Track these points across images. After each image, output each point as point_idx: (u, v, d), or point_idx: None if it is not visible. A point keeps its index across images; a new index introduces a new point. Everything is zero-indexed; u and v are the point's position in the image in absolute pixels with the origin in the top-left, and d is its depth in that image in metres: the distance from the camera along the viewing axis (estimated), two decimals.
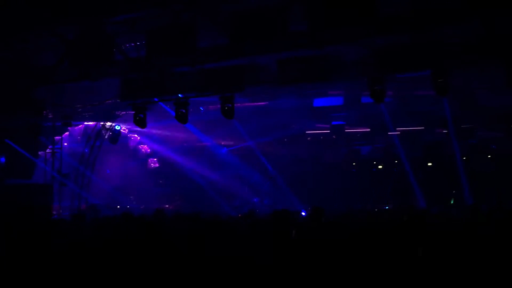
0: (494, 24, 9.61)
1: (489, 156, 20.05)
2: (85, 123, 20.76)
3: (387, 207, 19.56)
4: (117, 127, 19.47)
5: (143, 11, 11.31)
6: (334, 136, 21.68)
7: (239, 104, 15.19)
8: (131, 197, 23.83)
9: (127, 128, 22.14)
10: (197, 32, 11.52)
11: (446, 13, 9.63)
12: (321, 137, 22.26)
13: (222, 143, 23.96)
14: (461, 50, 10.77)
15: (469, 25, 10.03)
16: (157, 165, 25.75)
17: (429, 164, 20.96)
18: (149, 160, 25.73)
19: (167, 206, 23.56)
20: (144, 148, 25.38)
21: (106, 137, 18.95)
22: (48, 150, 18.03)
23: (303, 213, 15.00)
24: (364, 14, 9.40)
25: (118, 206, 21.69)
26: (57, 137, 18.27)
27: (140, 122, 15.16)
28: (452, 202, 19.08)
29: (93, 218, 11.49)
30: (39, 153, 17.32)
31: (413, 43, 10.88)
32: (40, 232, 5.77)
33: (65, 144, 19.59)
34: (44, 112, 16.70)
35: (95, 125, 18.76)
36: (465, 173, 18.35)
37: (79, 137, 21.43)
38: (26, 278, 3.05)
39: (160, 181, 25.09)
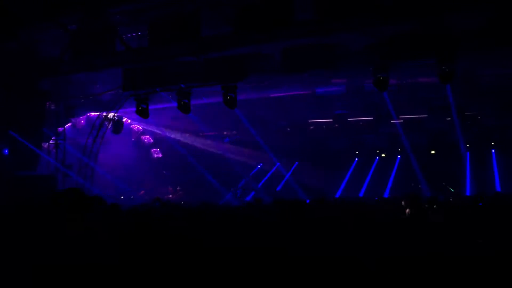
0: (504, 10, 9.52)
1: (492, 143, 20.07)
2: (88, 113, 20.73)
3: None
4: (120, 118, 19.45)
5: (145, 1, 11.25)
6: (336, 125, 21.63)
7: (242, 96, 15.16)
8: (134, 187, 23.86)
9: (129, 119, 22.12)
10: (200, 21, 11.46)
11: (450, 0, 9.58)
12: (324, 126, 22.21)
13: (224, 133, 23.95)
14: (466, 37, 10.71)
15: (475, 11, 9.95)
16: (160, 155, 25.75)
17: (432, 152, 20.97)
18: (152, 150, 25.73)
19: (170, 196, 23.62)
20: (147, 138, 25.36)
21: (109, 127, 18.92)
22: (51, 142, 18.02)
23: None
24: (369, 2, 9.33)
25: (122, 197, 21.73)
26: (60, 128, 18.24)
27: (142, 112, 15.14)
28: (452, 190, 19.09)
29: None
30: (43, 144, 17.30)
31: (418, 30, 10.82)
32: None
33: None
34: (48, 103, 16.67)
35: (98, 115, 18.71)
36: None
37: (82, 128, 21.40)
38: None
39: (164, 172, 25.11)
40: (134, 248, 3.70)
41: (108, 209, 7.29)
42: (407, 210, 6.33)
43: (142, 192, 23.91)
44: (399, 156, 21.50)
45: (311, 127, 22.47)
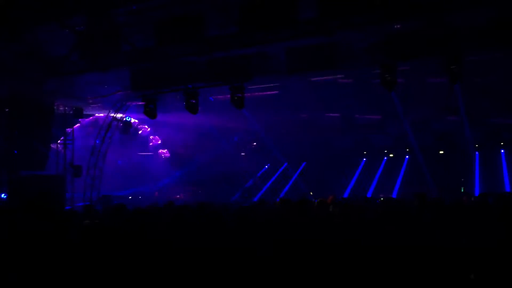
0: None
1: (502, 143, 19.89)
2: (96, 114, 20.87)
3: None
4: (128, 118, 19.55)
5: (151, 1, 11.28)
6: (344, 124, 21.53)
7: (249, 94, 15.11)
8: (143, 187, 23.97)
9: (137, 119, 22.23)
10: (206, 21, 11.46)
11: None
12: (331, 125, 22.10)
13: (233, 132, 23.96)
14: (474, 35, 10.60)
15: (484, 9, 9.83)
16: (168, 155, 25.84)
17: (441, 152, 20.82)
18: (159, 151, 25.83)
19: (178, 196, 23.69)
20: (155, 139, 25.46)
21: (117, 128, 19.02)
22: (59, 142, 18.16)
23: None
24: (374, 0, 9.28)
25: (130, 197, 21.82)
26: (68, 129, 18.38)
27: (150, 112, 15.19)
28: (462, 190, 18.95)
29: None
30: (51, 145, 17.42)
31: (424, 28, 10.72)
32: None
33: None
34: (55, 103, 16.79)
35: (106, 116, 18.83)
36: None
37: (90, 129, 21.55)
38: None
39: (171, 172, 25.20)
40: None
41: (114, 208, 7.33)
42: None
43: (156, 193, 24.01)
44: (407, 156, 21.39)
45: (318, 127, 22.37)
